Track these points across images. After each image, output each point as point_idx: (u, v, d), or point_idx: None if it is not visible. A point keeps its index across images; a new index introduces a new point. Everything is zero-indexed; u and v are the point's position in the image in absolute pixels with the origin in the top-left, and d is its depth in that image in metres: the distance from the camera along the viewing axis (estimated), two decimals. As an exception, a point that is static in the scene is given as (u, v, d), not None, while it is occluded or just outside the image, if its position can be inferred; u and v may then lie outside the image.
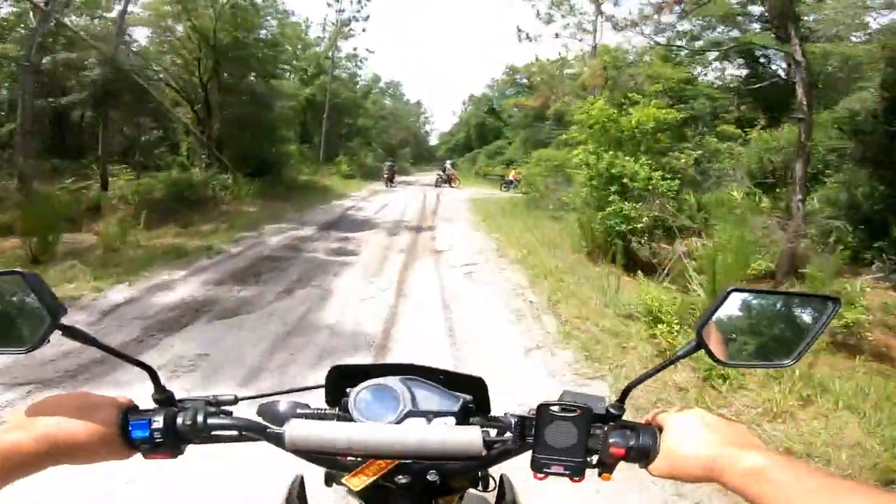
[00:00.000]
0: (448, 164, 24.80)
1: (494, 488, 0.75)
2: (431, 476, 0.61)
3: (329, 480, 0.73)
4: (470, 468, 0.68)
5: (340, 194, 15.60)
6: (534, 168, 14.01)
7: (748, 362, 0.67)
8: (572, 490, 0.92)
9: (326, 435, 0.57)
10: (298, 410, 0.69)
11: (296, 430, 0.57)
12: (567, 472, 0.57)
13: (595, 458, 0.58)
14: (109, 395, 0.58)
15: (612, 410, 0.61)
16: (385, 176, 21.90)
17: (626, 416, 0.62)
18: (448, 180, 23.35)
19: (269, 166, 15.54)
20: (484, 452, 0.58)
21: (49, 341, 0.53)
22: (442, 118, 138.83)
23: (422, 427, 0.63)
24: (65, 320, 0.53)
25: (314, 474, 0.74)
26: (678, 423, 0.55)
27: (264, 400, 0.72)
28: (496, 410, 0.71)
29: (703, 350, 0.58)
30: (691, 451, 0.51)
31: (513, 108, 31.30)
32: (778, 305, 0.65)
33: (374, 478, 0.59)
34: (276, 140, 16.30)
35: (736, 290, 0.59)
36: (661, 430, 0.56)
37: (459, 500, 0.77)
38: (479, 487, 0.72)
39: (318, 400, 0.75)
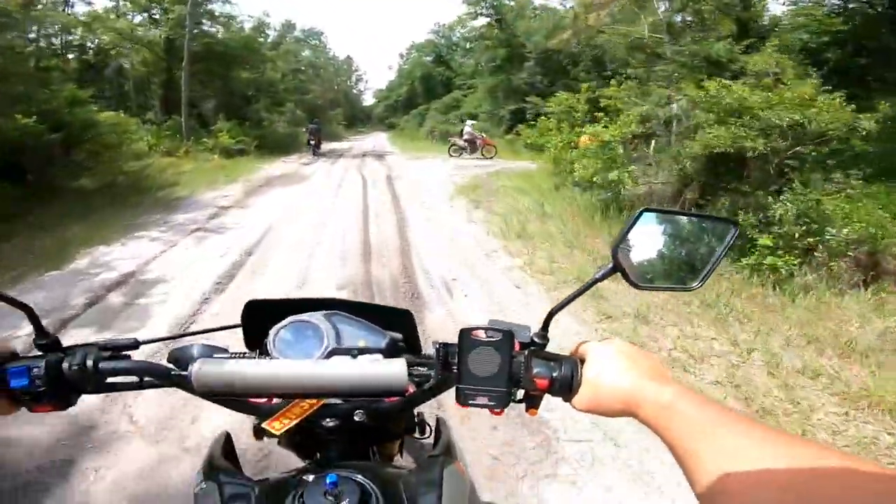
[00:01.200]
0: (469, 124, 15.80)
1: (431, 434, 0.72)
2: (358, 416, 0.57)
3: (259, 434, 0.65)
4: (399, 406, 0.61)
5: (165, 205, 7.01)
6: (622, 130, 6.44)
7: (660, 285, 0.65)
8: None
9: (239, 372, 0.52)
10: (214, 356, 0.60)
11: (204, 368, 0.52)
12: (491, 404, 0.53)
13: (520, 392, 0.55)
14: None
15: (536, 339, 0.57)
16: (310, 142, 16.25)
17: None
18: (471, 147, 15.16)
19: (33, 158, 7.29)
20: (411, 388, 0.55)
21: None
22: (376, 77, 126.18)
23: (344, 362, 0.58)
24: None
25: (243, 430, 0.70)
26: (598, 354, 0.53)
27: (175, 344, 0.64)
28: None
29: (619, 273, 0.56)
30: (610, 383, 0.50)
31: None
32: (686, 227, 0.64)
33: (297, 420, 0.54)
34: (26, 105, 7.73)
35: (648, 210, 0.57)
36: (583, 361, 0.54)
37: (400, 447, 0.77)
38: (416, 433, 0.71)
39: (238, 343, 0.68)
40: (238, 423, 0.61)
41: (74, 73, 19.52)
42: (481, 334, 0.53)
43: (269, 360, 0.60)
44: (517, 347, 0.54)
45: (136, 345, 0.59)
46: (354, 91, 62.64)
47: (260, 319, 0.67)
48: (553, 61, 21.02)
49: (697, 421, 0.42)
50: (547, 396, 0.55)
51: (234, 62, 18.72)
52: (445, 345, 0.56)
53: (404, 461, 0.86)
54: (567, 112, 11.04)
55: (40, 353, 0.53)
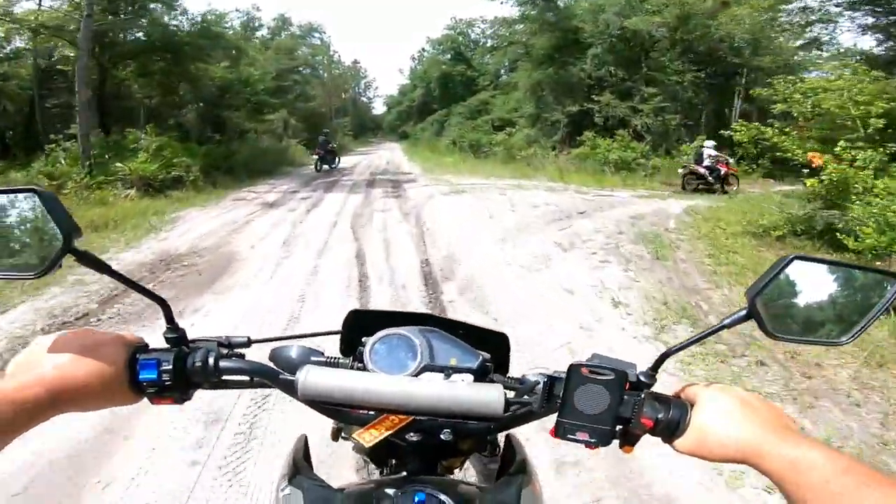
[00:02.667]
0: (709, 145, 11.17)
1: (499, 452, 0.70)
2: (445, 435, 0.57)
3: (336, 435, 0.70)
4: (488, 429, 0.60)
5: None
6: None
7: (801, 338, 0.57)
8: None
9: (341, 384, 0.54)
10: (312, 357, 0.64)
11: (310, 377, 0.54)
12: (592, 441, 0.52)
13: (620, 428, 0.53)
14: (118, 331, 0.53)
15: (642, 378, 0.54)
16: (315, 155, 14.37)
17: None
18: (714, 176, 10.24)
19: None
20: (504, 412, 0.55)
21: (60, 266, 0.47)
22: (386, 84, 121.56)
23: (441, 382, 0.59)
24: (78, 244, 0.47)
25: (318, 432, 0.72)
26: (713, 400, 0.50)
27: (276, 344, 0.67)
28: None
29: (753, 320, 0.52)
30: (726, 431, 0.47)
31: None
32: (840, 278, 0.58)
33: (387, 434, 0.55)
34: None
35: (799, 257, 0.54)
36: (692, 405, 0.51)
37: (463, 462, 0.74)
38: (486, 451, 0.68)
39: (333, 347, 0.70)
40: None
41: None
42: (593, 371, 0.51)
43: (369, 374, 0.59)
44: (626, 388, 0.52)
45: (248, 343, 0.61)
46: (363, 98, 57.73)
47: (358, 327, 0.68)
48: (618, 50, 15.46)
49: (838, 480, 0.39)
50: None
51: (186, 56, 13.34)
52: (551, 377, 0.55)
53: (465, 475, 0.82)
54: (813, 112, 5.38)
55: (167, 347, 0.54)
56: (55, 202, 0.47)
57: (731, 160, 10.63)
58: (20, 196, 0.49)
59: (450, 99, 31.07)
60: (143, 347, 0.53)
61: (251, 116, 15.68)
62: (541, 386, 0.55)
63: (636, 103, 14.40)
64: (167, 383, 0.51)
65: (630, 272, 4.13)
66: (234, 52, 15.23)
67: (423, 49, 39.38)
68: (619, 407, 0.51)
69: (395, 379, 0.57)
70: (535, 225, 6.07)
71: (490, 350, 0.68)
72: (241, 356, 0.58)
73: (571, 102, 15.69)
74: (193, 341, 0.57)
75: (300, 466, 0.62)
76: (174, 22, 13.97)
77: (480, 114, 24.10)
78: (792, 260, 0.53)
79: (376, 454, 0.65)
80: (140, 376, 0.50)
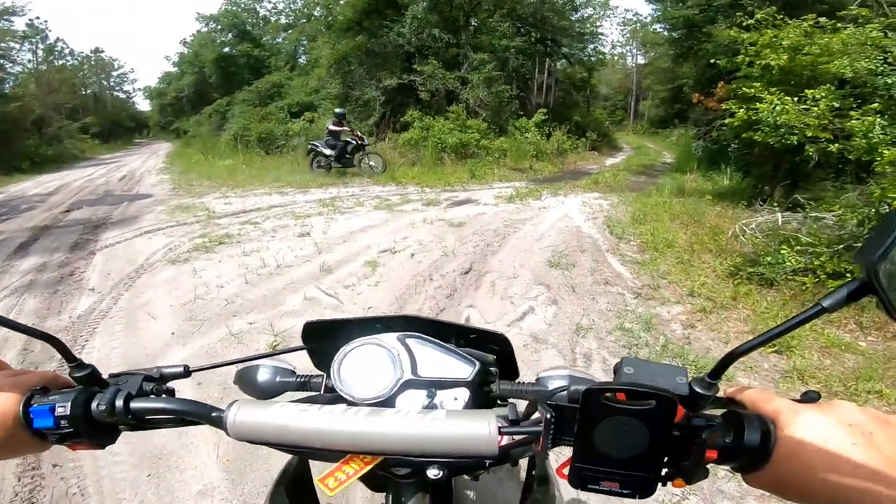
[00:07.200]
0: None
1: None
2: (432, 472, 0.45)
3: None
4: (483, 465, 0.48)
5: None
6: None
7: None
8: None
9: (278, 422, 0.44)
10: (279, 378, 0.58)
11: (240, 416, 0.45)
12: (625, 492, 0.37)
13: (668, 470, 0.39)
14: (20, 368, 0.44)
15: (698, 390, 0.39)
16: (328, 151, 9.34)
17: None
18: None
19: None
20: (504, 440, 0.42)
21: None
22: (152, 76, 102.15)
23: (409, 415, 0.44)
24: None
25: None
26: (811, 422, 0.35)
27: (242, 365, 0.58)
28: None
29: (872, 296, 0.33)
30: (834, 467, 0.33)
31: None
32: None
33: (355, 478, 0.44)
34: None
35: None
36: (774, 423, 0.37)
37: (477, 475, 0.64)
38: (508, 464, 0.53)
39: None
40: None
41: None
42: (620, 399, 0.35)
43: (315, 408, 0.46)
44: (680, 414, 0.36)
45: (186, 373, 0.53)
46: (117, 93, 45.14)
47: (329, 338, 0.56)
48: (441, 10, 12.51)
49: None
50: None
51: None
52: (559, 407, 0.39)
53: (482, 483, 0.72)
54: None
55: (71, 388, 0.47)
56: None
57: None
58: None
59: (233, 85, 24.65)
60: (44, 389, 0.46)
61: None
62: (546, 417, 0.39)
63: (465, 73, 11.60)
64: (66, 431, 0.44)
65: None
66: None
67: (200, 15, 31.01)
68: (664, 445, 0.36)
69: (347, 414, 0.44)
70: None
71: (491, 352, 0.55)
72: (171, 391, 0.51)
73: (388, 76, 12.18)
74: (117, 376, 0.49)
75: (289, 491, 0.55)
76: None
77: (273, 98, 19.01)
78: None
79: (372, 482, 0.50)
80: (34, 425, 0.44)
